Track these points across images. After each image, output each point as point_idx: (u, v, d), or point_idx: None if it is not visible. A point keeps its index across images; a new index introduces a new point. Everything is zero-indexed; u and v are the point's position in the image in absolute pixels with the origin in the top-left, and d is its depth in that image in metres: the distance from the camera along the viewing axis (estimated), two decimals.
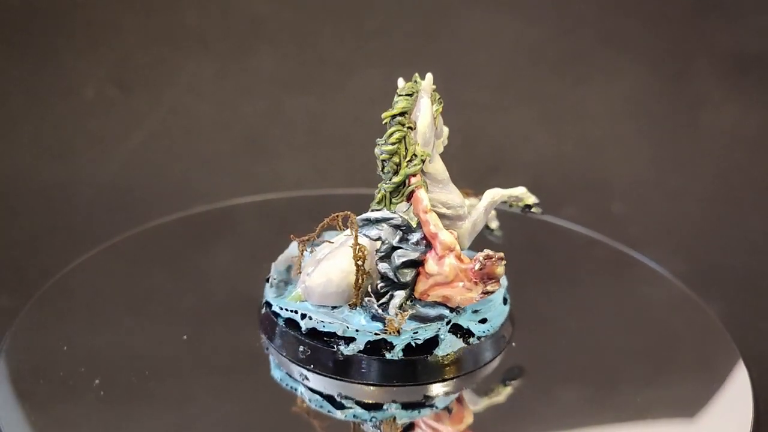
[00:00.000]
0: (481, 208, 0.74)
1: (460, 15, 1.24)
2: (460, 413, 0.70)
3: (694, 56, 1.22)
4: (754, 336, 0.86)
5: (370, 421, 0.68)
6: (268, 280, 0.75)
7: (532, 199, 0.78)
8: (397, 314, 0.70)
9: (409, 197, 0.71)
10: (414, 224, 0.70)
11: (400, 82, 0.72)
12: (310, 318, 0.71)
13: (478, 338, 0.72)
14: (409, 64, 1.25)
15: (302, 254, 0.73)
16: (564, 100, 1.22)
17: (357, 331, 0.70)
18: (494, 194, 0.75)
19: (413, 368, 0.70)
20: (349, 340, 0.70)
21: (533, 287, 0.85)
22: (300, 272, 0.73)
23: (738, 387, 0.73)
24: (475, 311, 0.73)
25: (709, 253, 1.04)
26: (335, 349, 0.70)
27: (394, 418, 0.69)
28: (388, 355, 0.70)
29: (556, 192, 1.13)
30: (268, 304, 0.74)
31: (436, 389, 0.71)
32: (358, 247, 0.70)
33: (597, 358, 0.77)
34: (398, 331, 0.69)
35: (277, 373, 0.72)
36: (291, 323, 0.72)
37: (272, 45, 1.23)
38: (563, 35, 1.24)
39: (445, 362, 0.71)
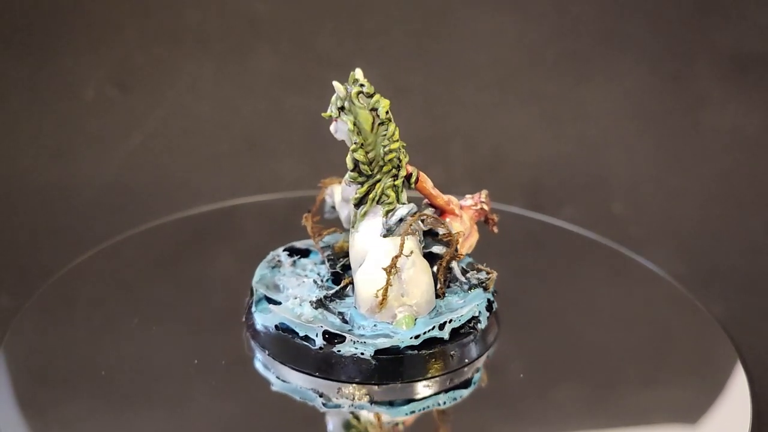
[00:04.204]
0: None
1: (460, 15, 1.24)
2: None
3: (694, 56, 1.22)
4: (753, 337, 0.86)
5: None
6: (340, 340, 0.70)
7: None
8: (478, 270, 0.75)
9: (416, 182, 0.73)
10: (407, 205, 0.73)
11: (337, 84, 0.70)
12: (450, 321, 0.71)
13: None
14: (409, 64, 1.25)
15: (390, 281, 0.70)
16: (564, 100, 1.22)
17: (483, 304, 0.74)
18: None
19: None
20: (479, 318, 0.73)
21: (532, 287, 0.85)
22: (383, 305, 0.70)
23: (737, 388, 0.73)
24: None
25: (709, 254, 1.03)
26: (473, 332, 0.73)
27: None
28: (494, 307, 0.75)
29: (556, 192, 1.13)
30: (389, 351, 0.70)
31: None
32: (453, 236, 0.72)
33: (595, 359, 0.77)
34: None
35: (402, 408, 0.70)
36: (427, 343, 0.71)
37: (272, 45, 1.23)
38: (563, 35, 1.24)
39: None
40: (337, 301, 0.73)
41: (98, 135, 1.16)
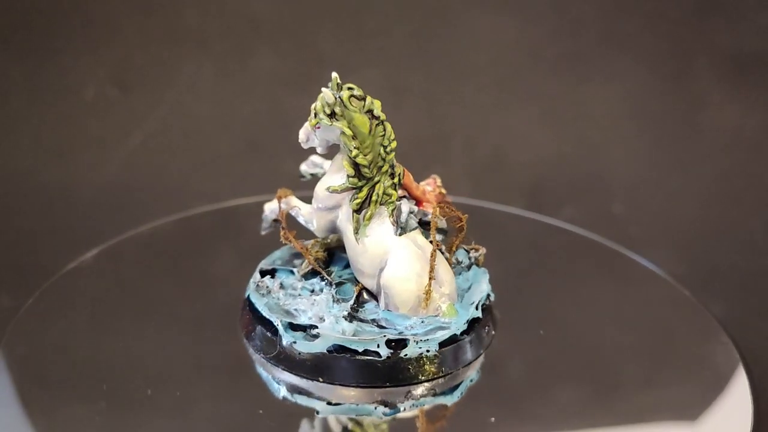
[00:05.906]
0: None
1: (460, 15, 1.24)
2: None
3: (694, 56, 1.22)
4: (753, 337, 0.86)
5: None
6: (404, 345, 0.69)
7: None
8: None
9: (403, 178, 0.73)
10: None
11: (326, 91, 0.69)
12: (480, 300, 0.74)
13: None
14: (409, 64, 1.25)
15: (432, 276, 0.70)
16: (564, 100, 1.22)
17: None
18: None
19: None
20: (488, 292, 0.76)
21: (532, 287, 0.85)
22: (428, 303, 0.71)
23: (737, 387, 0.73)
24: None
25: (708, 254, 1.03)
26: (488, 301, 0.75)
27: None
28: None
29: (556, 192, 1.13)
30: (446, 342, 0.71)
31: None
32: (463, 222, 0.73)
33: (595, 359, 0.77)
34: None
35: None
36: (472, 323, 0.73)
37: (272, 45, 1.23)
38: (563, 35, 1.24)
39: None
40: (360, 309, 0.72)
41: (98, 135, 1.16)
